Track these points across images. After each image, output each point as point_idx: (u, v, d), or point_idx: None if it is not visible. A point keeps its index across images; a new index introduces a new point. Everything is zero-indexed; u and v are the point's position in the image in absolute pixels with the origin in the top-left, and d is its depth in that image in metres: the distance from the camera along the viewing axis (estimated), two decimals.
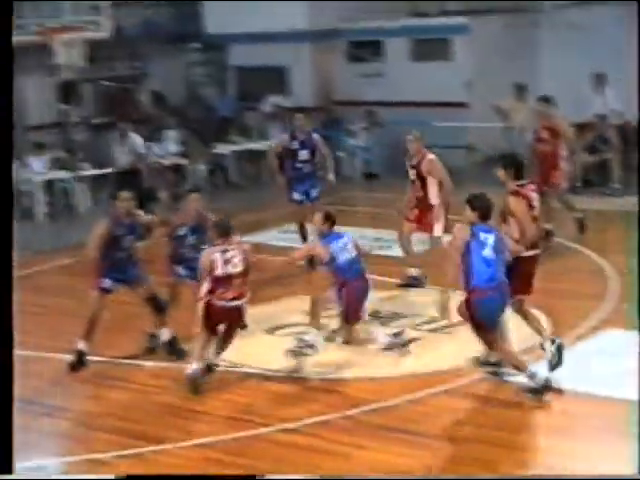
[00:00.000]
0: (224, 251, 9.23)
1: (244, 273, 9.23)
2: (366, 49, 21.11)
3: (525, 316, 9.17)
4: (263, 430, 8.24)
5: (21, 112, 19.78)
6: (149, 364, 9.88)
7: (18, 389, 9.33)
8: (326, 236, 9.70)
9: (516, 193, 9.00)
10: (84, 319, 10.02)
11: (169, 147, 19.22)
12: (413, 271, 12.13)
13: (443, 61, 20.01)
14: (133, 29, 20.33)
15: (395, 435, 8.07)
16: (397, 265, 12.44)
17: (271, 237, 15.06)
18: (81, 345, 9.87)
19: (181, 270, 10.47)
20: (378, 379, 9.28)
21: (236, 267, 9.19)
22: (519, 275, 8.88)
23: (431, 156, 11.76)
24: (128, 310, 11.57)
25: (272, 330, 10.76)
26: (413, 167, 11.80)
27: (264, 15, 20.47)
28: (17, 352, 10.20)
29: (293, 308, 11.28)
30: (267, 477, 7.51)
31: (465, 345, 9.32)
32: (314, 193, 13.39)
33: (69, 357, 9.97)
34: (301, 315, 10.73)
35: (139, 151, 15.14)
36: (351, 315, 9.65)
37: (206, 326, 9.17)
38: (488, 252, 8.41)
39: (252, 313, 11.29)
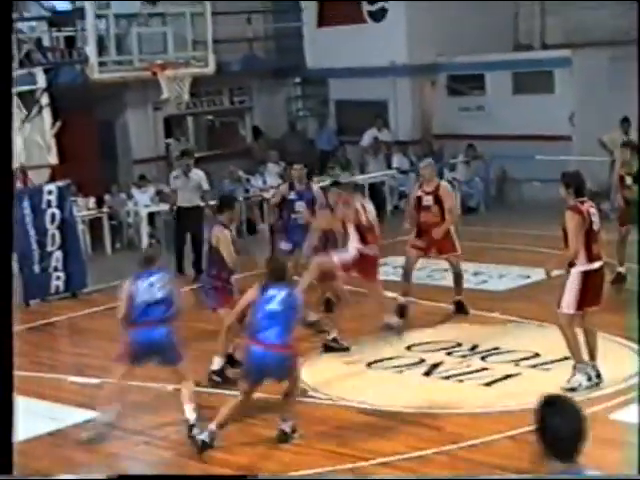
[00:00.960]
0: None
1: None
2: (467, 82, 21.06)
3: (586, 331, 9.43)
4: (360, 464, 8.21)
5: (127, 146, 20.29)
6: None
7: (118, 417, 9.56)
8: (139, 274, 9.20)
9: (573, 208, 9.26)
10: (196, 345, 10.14)
11: (269, 180, 19.42)
12: (458, 298, 12.30)
13: (545, 94, 19.83)
14: (235, 64, 20.68)
15: (492, 472, 7.95)
16: (499, 300, 12.32)
17: None
18: None
19: (284, 245, 11.37)
20: (474, 415, 9.18)
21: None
22: (589, 287, 9.21)
23: (444, 183, 12.60)
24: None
25: (369, 364, 10.72)
26: (429, 193, 12.24)
27: (364, 50, 20.60)
28: (130, 382, 10.45)
29: (388, 342, 11.24)
30: (262, 477, 7.45)
31: (564, 382, 9.17)
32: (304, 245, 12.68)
33: (170, 387, 10.11)
34: (401, 349, 10.70)
35: (204, 187, 15.26)
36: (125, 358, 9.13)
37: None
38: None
39: (351, 347, 11.32)
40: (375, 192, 20.04)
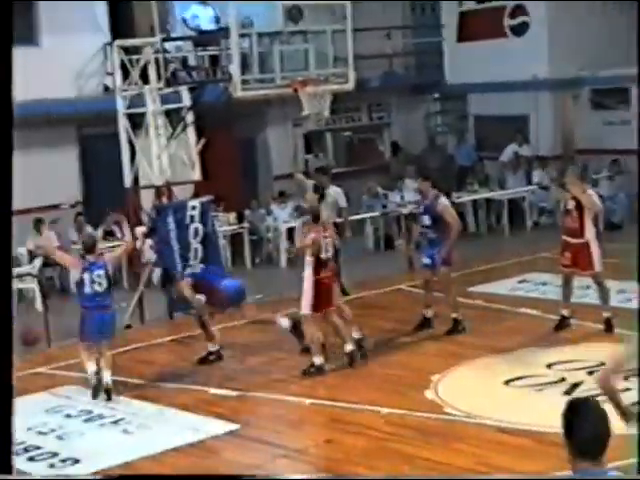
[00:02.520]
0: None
1: None
2: (611, 96, 20.62)
3: None
4: None
5: (267, 162, 20.61)
6: (385, 410, 9.93)
7: (256, 430, 9.70)
8: (90, 263, 10.90)
9: None
10: (328, 367, 10.20)
11: (407, 196, 19.42)
12: (565, 312, 12.14)
13: None
14: (375, 80, 20.77)
15: None
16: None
17: (509, 287, 14.84)
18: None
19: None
20: (616, 436, 8.91)
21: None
22: None
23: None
24: (370, 357, 11.78)
25: (508, 382, 10.60)
26: (573, 198, 12.05)
27: (504, 64, 20.42)
28: (254, 394, 10.61)
29: (527, 359, 11.09)
30: (258, 477, 7.34)
31: None
32: (438, 259, 12.68)
33: (307, 401, 10.22)
34: (541, 367, 10.54)
35: (341, 205, 15.24)
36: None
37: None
38: None
39: (490, 364, 11.22)
40: (515, 208, 19.83)
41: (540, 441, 8.95)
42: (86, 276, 10.84)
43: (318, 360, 11.17)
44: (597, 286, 12.13)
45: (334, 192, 14.88)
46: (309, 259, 11.20)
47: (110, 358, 11.00)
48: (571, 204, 12.03)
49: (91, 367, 10.91)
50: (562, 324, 12.16)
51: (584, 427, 4.26)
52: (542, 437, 9.01)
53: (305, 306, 11.19)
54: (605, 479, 4.30)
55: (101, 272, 10.88)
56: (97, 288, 10.82)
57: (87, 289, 10.82)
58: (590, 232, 11.98)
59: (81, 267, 10.95)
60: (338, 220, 15.11)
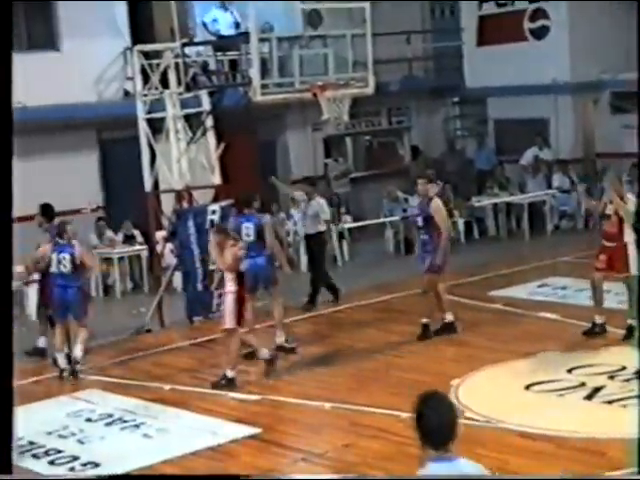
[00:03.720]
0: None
1: None
2: (631, 100, 20.49)
3: None
4: None
5: (287, 166, 20.63)
6: (405, 414, 9.91)
7: (275, 434, 9.70)
8: (58, 245, 11.99)
9: None
10: (338, 368, 10.15)
11: None
12: (598, 319, 12.02)
13: None
14: (394, 84, 20.75)
15: None
16: None
17: (529, 291, 14.79)
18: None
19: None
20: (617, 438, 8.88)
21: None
22: None
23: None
24: (389, 361, 11.78)
25: (528, 386, 10.56)
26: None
27: (524, 68, 20.37)
28: (274, 398, 10.62)
29: (548, 364, 11.05)
30: (257, 477, 7.32)
31: None
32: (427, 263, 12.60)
33: (327, 405, 10.22)
34: (562, 371, 10.50)
35: (322, 217, 15.17)
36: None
37: None
38: None
39: (510, 368, 11.18)
40: (535, 212, 19.76)
41: (561, 446, 8.92)
42: (54, 256, 12.03)
43: (231, 373, 11.22)
44: (628, 290, 11.96)
45: (317, 203, 15.04)
46: (230, 275, 11.22)
47: (82, 334, 11.88)
48: (610, 208, 11.90)
49: (58, 345, 12.04)
50: (592, 330, 12.02)
51: (432, 417, 4.65)
52: (563, 442, 8.98)
53: (229, 321, 11.20)
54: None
55: (67, 255, 11.94)
56: (62, 269, 11.95)
57: (53, 269, 12.04)
58: (629, 236, 11.80)
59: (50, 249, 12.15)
60: (321, 230, 15.13)
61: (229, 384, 11.14)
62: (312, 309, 14.68)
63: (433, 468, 4.63)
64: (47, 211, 13.39)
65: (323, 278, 15.21)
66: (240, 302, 11.16)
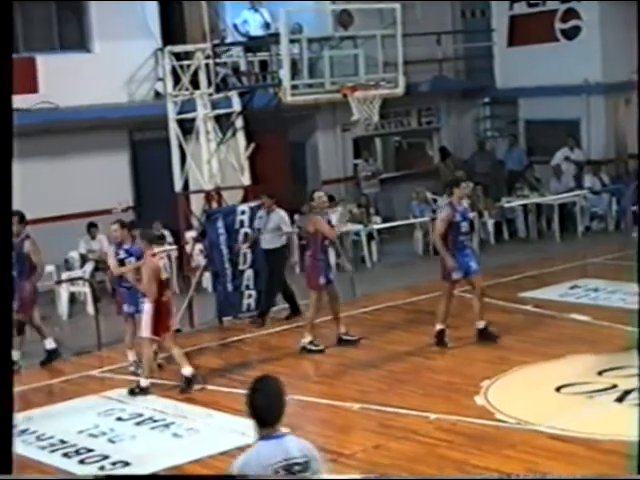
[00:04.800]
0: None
1: None
2: None
3: None
4: None
5: (316, 167, 20.65)
6: (434, 416, 9.89)
7: (304, 434, 9.69)
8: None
9: None
10: (368, 369, 10.12)
11: None
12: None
13: None
14: (424, 85, 20.72)
15: None
16: None
17: (560, 293, 14.71)
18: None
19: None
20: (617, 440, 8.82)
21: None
22: None
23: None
24: (420, 362, 11.76)
25: (559, 388, 10.51)
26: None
27: (556, 68, 20.28)
28: (303, 398, 10.62)
29: (578, 366, 10.98)
30: (253, 477, 7.24)
31: None
32: (474, 266, 12.52)
33: (356, 405, 10.22)
34: (592, 374, 10.44)
35: (284, 229, 14.39)
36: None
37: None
38: None
39: (540, 370, 11.12)
40: (566, 213, 19.65)
41: (591, 448, 8.87)
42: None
43: (145, 382, 11.28)
44: None
45: (278, 217, 14.27)
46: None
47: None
48: None
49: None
50: None
51: (261, 399, 5.07)
52: (593, 444, 8.93)
53: (145, 329, 11.21)
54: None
55: (132, 259, 11.96)
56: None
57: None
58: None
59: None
60: (280, 245, 14.38)
61: (143, 392, 11.21)
62: (261, 324, 14.07)
63: (261, 445, 5.04)
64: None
65: (284, 294, 14.46)
66: (160, 311, 11.19)
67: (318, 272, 12.46)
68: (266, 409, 5.06)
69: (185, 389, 11.17)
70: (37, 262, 12.54)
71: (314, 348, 12.49)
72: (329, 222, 12.89)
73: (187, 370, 11.29)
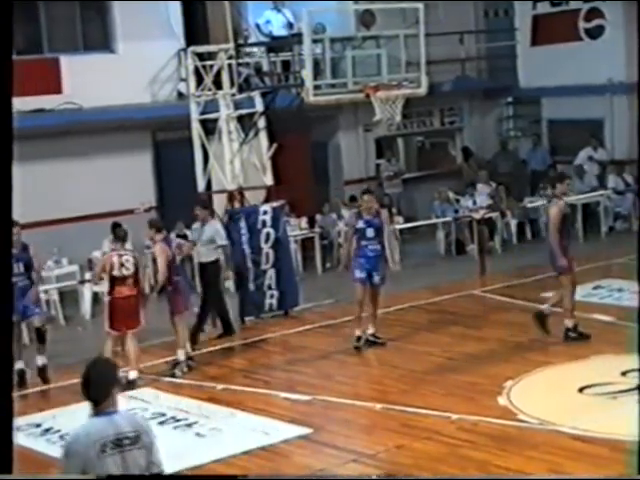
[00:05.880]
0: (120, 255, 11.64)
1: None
2: None
3: None
4: None
5: (339, 167, 20.65)
6: (456, 416, 9.87)
7: (327, 434, 9.71)
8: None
9: None
10: (390, 369, 10.11)
11: (479, 201, 19.29)
12: None
13: None
14: (447, 84, 20.68)
15: None
16: None
17: (584, 293, 14.60)
18: None
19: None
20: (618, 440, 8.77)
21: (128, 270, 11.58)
22: None
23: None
24: (442, 362, 11.74)
25: (582, 389, 10.46)
26: None
27: (579, 68, 20.18)
28: (325, 398, 10.62)
29: (602, 366, 10.93)
30: (252, 477, 7.19)
31: None
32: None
33: (378, 405, 10.22)
34: (616, 374, 10.39)
35: (218, 242, 13.68)
36: None
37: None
38: None
39: (563, 370, 11.07)
40: (589, 213, 19.57)
41: (615, 449, 8.82)
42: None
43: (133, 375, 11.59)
44: None
45: (212, 229, 13.65)
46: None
47: (43, 336, 11.93)
48: None
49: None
50: None
51: (92, 377, 5.33)
52: (617, 445, 8.88)
53: (105, 324, 11.71)
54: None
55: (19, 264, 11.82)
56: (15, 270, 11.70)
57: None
58: None
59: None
60: (214, 259, 13.69)
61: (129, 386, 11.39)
62: (194, 345, 13.04)
63: (91, 421, 5.32)
64: None
65: (218, 310, 13.81)
66: (114, 307, 11.56)
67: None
68: (95, 387, 5.32)
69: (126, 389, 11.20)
70: (37, 267, 12.45)
71: (378, 340, 12.46)
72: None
73: (132, 375, 11.58)
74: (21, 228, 11.78)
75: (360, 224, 12.54)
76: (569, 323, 12.11)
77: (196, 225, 14.00)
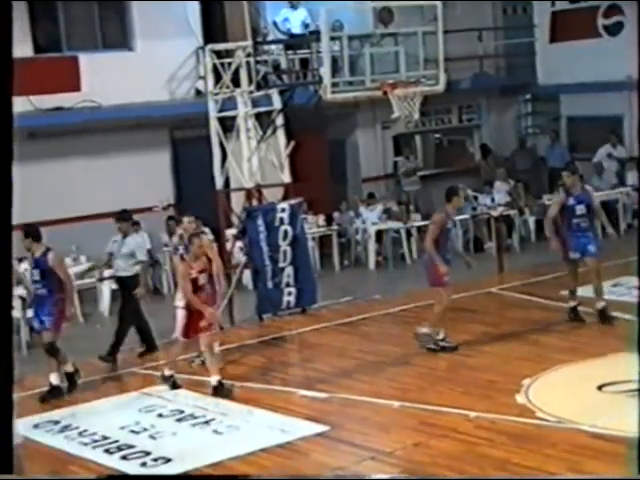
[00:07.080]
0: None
1: None
2: None
3: None
4: None
5: (356, 165, 20.64)
6: (473, 414, 9.85)
7: (344, 432, 9.70)
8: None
9: None
10: (408, 367, 10.11)
11: (497, 198, 19.24)
12: None
13: None
14: (465, 82, 20.63)
15: None
16: None
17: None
18: None
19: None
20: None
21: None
22: None
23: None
24: (460, 360, 11.72)
25: (600, 387, 10.42)
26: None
27: (598, 64, 20.09)
28: (343, 396, 10.62)
29: (620, 364, 10.88)
30: (253, 477, 7.17)
31: None
32: (592, 249, 12.95)
33: (396, 403, 10.21)
34: (632, 371, 10.32)
35: (138, 257, 12.90)
36: None
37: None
38: None
39: (581, 368, 11.02)
40: (608, 210, 19.47)
41: (634, 447, 8.77)
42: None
43: (168, 372, 11.53)
44: None
45: (134, 242, 13.03)
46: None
47: (51, 353, 11.52)
48: None
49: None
50: None
51: None
52: (636, 443, 8.83)
53: (177, 332, 11.84)
54: None
55: (36, 271, 11.50)
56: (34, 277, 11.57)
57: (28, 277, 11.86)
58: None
59: None
60: (132, 274, 12.83)
61: (166, 381, 11.41)
62: (110, 361, 12.69)
63: None
64: None
65: (137, 327, 13.11)
66: (189, 315, 11.34)
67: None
68: None
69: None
70: (64, 277, 11.50)
71: (447, 345, 12.24)
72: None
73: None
74: (40, 226, 11.80)
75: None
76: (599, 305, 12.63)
77: (116, 237, 12.95)
